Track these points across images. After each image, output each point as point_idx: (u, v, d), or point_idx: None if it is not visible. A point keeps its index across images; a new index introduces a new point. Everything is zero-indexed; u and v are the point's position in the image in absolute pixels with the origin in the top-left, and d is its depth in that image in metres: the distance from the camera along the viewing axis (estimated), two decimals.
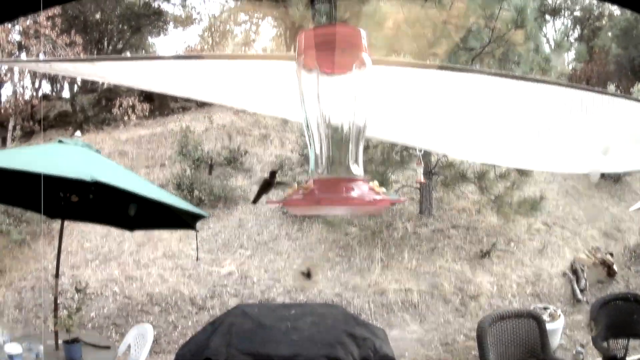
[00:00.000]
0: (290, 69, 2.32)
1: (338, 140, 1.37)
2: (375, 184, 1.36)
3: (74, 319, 5.01)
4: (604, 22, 22.38)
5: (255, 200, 2.20)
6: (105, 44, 18.33)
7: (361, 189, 1.33)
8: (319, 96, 1.31)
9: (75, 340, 4.56)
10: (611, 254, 9.81)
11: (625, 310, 4.85)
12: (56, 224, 8.10)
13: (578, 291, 8.92)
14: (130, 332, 5.42)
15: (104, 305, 7.94)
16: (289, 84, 2.58)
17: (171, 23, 20.45)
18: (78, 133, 4.98)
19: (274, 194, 1.97)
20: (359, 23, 7.45)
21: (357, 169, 1.38)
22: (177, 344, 7.07)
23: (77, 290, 7.48)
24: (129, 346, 5.19)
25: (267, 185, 2.13)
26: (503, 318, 4.41)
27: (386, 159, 9.64)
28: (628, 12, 14.52)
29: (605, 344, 4.82)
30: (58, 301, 5.12)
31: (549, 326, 4.87)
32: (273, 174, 2.15)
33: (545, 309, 7.43)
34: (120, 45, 18.79)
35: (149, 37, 20.61)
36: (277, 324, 4.82)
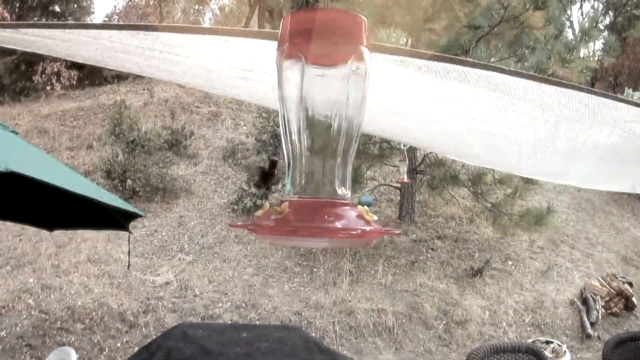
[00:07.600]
0: (252, 46, 2.27)
1: (322, 150, 1.30)
2: (365, 209, 1.30)
3: None
4: None
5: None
6: None
7: (348, 216, 1.26)
8: (303, 95, 1.25)
9: None
10: (630, 284, 9.82)
11: None
12: None
13: (588, 324, 8.87)
14: (48, 357, 5.29)
15: (16, 322, 7.69)
16: (250, 63, 2.52)
17: None
18: None
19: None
20: None
21: (344, 190, 1.31)
22: None
23: None
24: None
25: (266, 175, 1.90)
26: (497, 351, 4.40)
27: (362, 151, 9.56)
28: None
29: None
30: None
31: None
32: (273, 163, 1.92)
33: (547, 343, 7.47)
34: None
35: None
36: (225, 349, 4.75)
